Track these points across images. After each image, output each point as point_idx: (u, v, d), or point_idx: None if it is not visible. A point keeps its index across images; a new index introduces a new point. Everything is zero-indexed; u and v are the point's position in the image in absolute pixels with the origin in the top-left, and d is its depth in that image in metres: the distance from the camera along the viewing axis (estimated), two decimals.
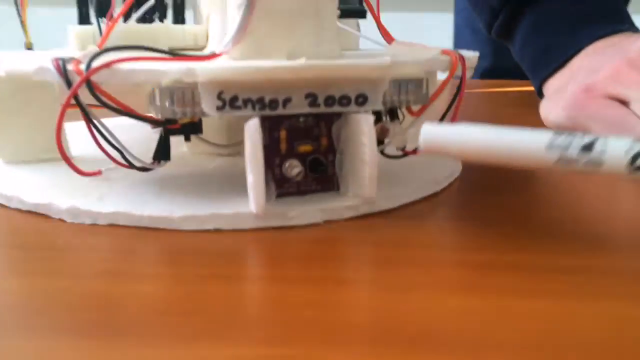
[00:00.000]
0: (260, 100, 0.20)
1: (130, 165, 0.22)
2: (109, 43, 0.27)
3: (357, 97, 0.21)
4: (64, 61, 0.20)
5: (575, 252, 0.19)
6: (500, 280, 0.17)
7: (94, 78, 0.19)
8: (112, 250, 0.19)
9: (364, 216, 0.22)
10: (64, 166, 0.24)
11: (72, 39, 0.29)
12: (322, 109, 0.21)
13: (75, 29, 0.28)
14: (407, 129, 0.23)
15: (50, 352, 0.13)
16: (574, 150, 0.17)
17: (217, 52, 0.21)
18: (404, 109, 0.23)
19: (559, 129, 0.37)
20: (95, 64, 0.19)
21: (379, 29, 0.27)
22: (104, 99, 0.19)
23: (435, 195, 0.24)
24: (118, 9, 0.30)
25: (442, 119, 0.24)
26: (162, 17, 0.33)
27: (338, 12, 0.33)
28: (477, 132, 0.18)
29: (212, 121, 0.25)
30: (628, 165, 0.16)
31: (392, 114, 0.23)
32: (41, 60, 0.20)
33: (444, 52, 0.24)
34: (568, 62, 0.40)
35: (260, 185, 0.19)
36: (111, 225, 0.20)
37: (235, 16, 0.21)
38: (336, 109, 0.21)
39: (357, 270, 0.19)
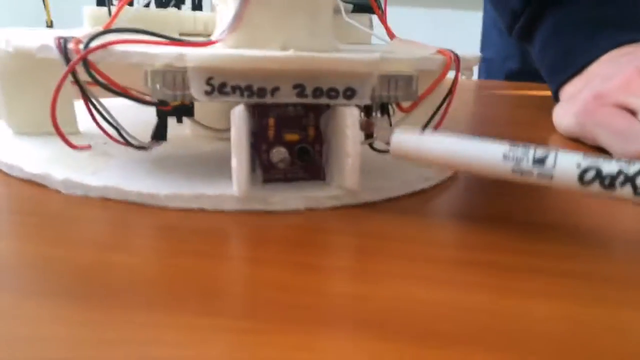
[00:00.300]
0: (249, 88, 0.20)
1: (127, 143, 0.23)
2: (120, 25, 0.28)
3: (345, 90, 0.21)
4: (65, 40, 0.21)
5: (571, 255, 0.19)
6: (474, 278, 0.17)
7: (91, 57, 0.20)
8: (99, 222, 0.20)
9: (346, 207, 0.22)
10: (55, 140, 0.25)
11: (86, 19, 0.30)
12: (310, 100, 0.21)
13: (89, 10, 0.29)
14: (392, 125, 0.23)
15: (32, 311, 0.14)
16: (528, 162, 0.17)
17: (214, 39, 0.22)
18: (394, 105, 0.24)
19: (570, 135, 0.37)
20: (94, 44, 0.20)
21: (382, 24, 0.27)
22: (99, 77, 0.20)
23: (423, 191, 0.24)
24: None
25: (431, 118, 0.24)
26: (178, 4, 0.34)
27: (350, 6, 0.34)
28: (441, 142, 0.19)
29: (212, 106, 0.26)
30: (578, 180, 0.17)
31: (383, 109, 0.24)
32: (45, 39, 0.21)
33: (440, 51, 0.24)
34: (585, 68, 0.39)
35: (243, 169, 0.20)
36: (102, 199, 0.21)
37: (232, 5, 0.22)
38: (324, 100, 0.21)
39: (331, 258, 0.19)
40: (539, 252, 0.19)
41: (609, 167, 0.17)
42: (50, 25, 0.33)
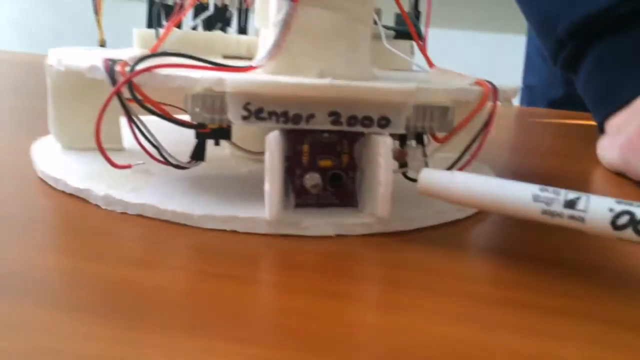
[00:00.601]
0: (285, 114, 0.21)
1: (167, 162, 0.23)
2: (167, 47, 0.30)
3: (380, 119, 0.21)
4: (113, 62, 0.22)
5: (599, 298, 0.19)
6: (498, 316, 0.17)
7: (136, 80, 0.21)
8: (135, 239, 0.21)
9: (377, 235, 0.22)
10: (113, 157, 0.26)
11: (135, 41, 0.31)
12: (344, 127, 0.21)
13: (139, 32, 0.30)
14: (426, 156, 0.23)
15: (63, 325, 0.15)
16: (558, 204, 0.17)
17: (254, 64, 0.23)
18: (428, 135, 0.24)
19: (614, 169, 0.36)
20: (139, 67, 0.21)
21: (422, 52, 0.27)
22: (142, 99, 0.21)
23: (457, 222, 0.24)
24: (187, 15, 0.32)
25: (465, 150, 0.24)
26: (224, 27, 0.35)
27: (392, 33, 0.34)
28: (470, 181, 0.19)
29: (249, 128, 0.26)
30: (610, 225, 0.17)
31: (419, 138, 0.24)
32: (94, 59, 0.22)
33: (478, 82, 0.24)
34: (632, 101, 0.38)
35: (275, 194, 0.21)
36: (139, 216, 0.22)
37: (272, 33, 0.22)
38: (358, 128, 0.21)
39: (359, 287, 0.19)
40: (567, 293, 0.19)
41: None
42: (102, 44, 0.34)
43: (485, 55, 1.50)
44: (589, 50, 0.41)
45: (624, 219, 0.17)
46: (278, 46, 0.22)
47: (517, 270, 0.20)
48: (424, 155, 0.23)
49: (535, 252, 0.23)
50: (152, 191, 0.23)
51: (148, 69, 0.21)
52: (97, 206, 0.23)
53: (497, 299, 0.18)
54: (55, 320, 0.15)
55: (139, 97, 0.21)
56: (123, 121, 0.26)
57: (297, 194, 0.22)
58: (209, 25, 0.35)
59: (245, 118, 0.21)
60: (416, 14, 0.35)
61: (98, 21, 0.34)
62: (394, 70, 0.32)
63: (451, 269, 0.20)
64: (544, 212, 0.18)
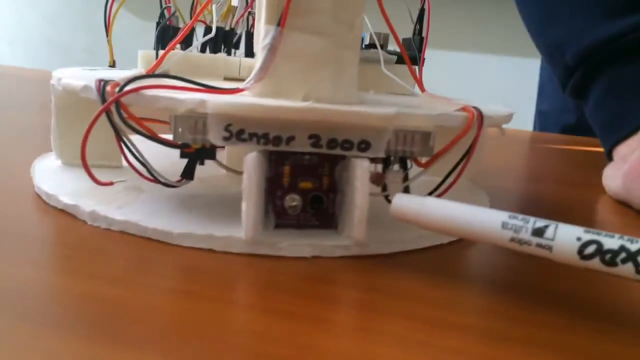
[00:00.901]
0: (265, 136, 0.21)
1: (156, 181, 0.24)
2: (170, 68, 0.30)
3: (360, 143, 0.22)
4: (105, 83, 0.22)
5: (572, 328, 0.18)
6: (464, 345, 0.17)
7: (124, 100, 0.22)
8: (115, 256, 0.21)
9: (354, 257, 0.22)
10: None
11: (139, 61, 0.32)
12: (324, 150, 0.22)
13: (142, 53, 0.31)
14: (408, 180, 0.23)
15: (42, 343, 0.15)
16: (526, 232, 0.17)
17: (241, 87, 0.23)
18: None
19: (617, 197, 0.36)
20: (127, 88, 0.22)
21: (413, 77, 0.27)
22: (128, 119, 0.22)
23: (438, 247, 0.24)
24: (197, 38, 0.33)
25: (448, 174, 0.24)
26: (229, 51, 0.36)
27: (394, 57, 0.35)
28: (441, 207, 0.19)
29: (246, 149, 0.27)
30: (577, 254, 0.17)
31: (402, 162, 0.24)
32: (88, 80, 0.23)
33: (464, 108, 0.24)
34: (639, 130, 0.38)
35: (251, 214, 0.21)
36: (123, 232, 0.23)
37: (259, 56, 0.23)
38: (338, 152, 0.22)
39: (331, 311, 0.19)
40: (540, 322, 0.19)
41: (611, 242, 0.17)
42: (112, 65, 0.35)
43: (503, 79, 1.49)
44: (597, 78, 0.40)
45: (591, 249, 0.17)
46: (264, 69, 0.23)
47: (488, 297, 0.20)
48: (406, 179, 0.23)
49: (511, 279, 0.22)
50: (138, 208, 0.24)
51: (135, 90, 0.22)
52: (84, 222, 0.23)
53: (465, 325, 0.18)
54: (26, 335, 0.15)
55: (127, 117, 0.22)
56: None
57: (277, 215, 0.23)
58: (215, 48, 0.35)
59: (226, 139, 0.21)
60: (419, 39, 0.36)
61: (109, 42, 0.35)
62: (395, 93, 0.33)
63: (426, 295, 0.20)
64: (512, 239, 0.18)
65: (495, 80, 1.49)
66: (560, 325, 0.19)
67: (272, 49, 0.22)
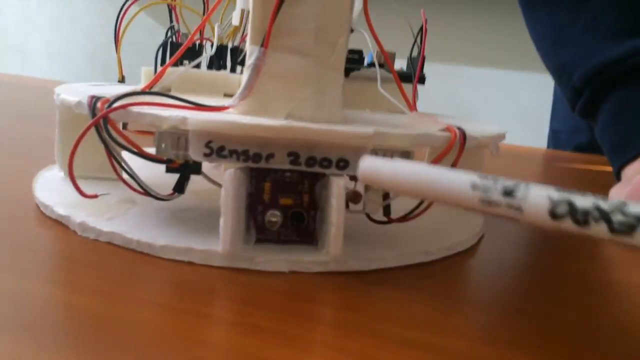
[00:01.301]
0: (245, 153, 0.22)
1: (147, 194, 0.25)
2: (171, 85, 0.31)
3: (339, 161, 0.22)
4: (97, 99, 0.23)
5: (550, 347, 0.18)
6: None
7: (112, 116, 0.23)
8: (101, 267, 0.22)
9: (332, 273, 0.23)
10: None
11: (143, 77, 0.33)
12: (303, 167, 0.22)
13: (145, 69, 0.32)
14: (387, 199, 0.23)
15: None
16: (496, 192, 0.17)
17: (227, 105, 0.24)
18: None
19: None
20: (116, 104, 0.23)
21: (402, 95, 0.28)
22: (114, 134, 0.22)
23: (419, 265, 0.24)
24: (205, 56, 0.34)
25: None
26: (233, 68, 0.36)
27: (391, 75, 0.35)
28: (410, 168, 0.18)
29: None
30: (549, 214, 0.16)
31: None
32: (81, 96, 0.24)
33: (448, 128, 0.24)
34: None
35: (228, 228, 0.21)
36: (109, 243, 0.23)
37: (244, 75, 0.23)
38: (316, 169, 0.22)
39: (303, 327, 0.19)
40: (521, 345, 0.19)
41: (583, 201, 0.16)
42: (122, 80, 0.36)
43: (516, 95, 1.47)
44: (605, 99, 0.40)
45: (562, 208, 0.16)
46: (248, 88, 0.23)
47: (472, 318, 0.20)
48: (386, 197, 0.24)
49: (498, 300, 0.22)
50: (128, 220, 0.25)
51: (122, 107, 0.22)
52: (75, 233, 0.24)
53: (448, 349, 0.18)
54: (5, 344, 0.16)
55: (112, 132, 0.22)
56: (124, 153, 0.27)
57: (258, 230, 0.23)
58: (219, 65, 0.36)
59: (207, 155, 0.22)
60: (421, 58, 0.36)
61: (118, 58, 0.37)
62: (395, 112, 0.33)
63: (402, 314, 0.20)
64: (482, 200, 0.17)
65: (523, 96, 1.47)
66: (546, 349, 0.19)
67: (256, 69, 0.23)
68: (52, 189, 0.28)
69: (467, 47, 1.52)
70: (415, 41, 0.35)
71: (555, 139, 0.65)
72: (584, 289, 0.24)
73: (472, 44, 1.50)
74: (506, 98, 1.50)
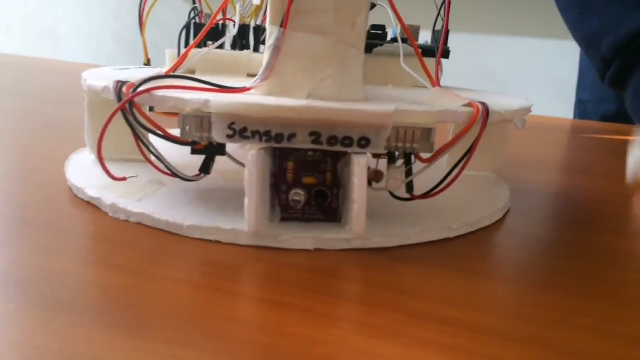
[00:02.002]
0: (268, 133, 0.22)
1: (174, 175, 0.25)
2: (195, 66, 0.32)
3: (360, 139, 0.22)
4: (122, 84, 0.24)
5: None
6: (458, 341, 0.17)
7: (137, 100, 0.23)
8: (131, 247, 0.23)
9: (357, 250, 0.23)
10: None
11: (167, 60, 0.33)
12: (325, 147, 0.22)
13: (169, 52, 0.33)
14: (407, 175, 0.24)
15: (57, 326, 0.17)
16: None
17: (248, 86, 0.24)
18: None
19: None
20: (141, 89, 0.23)
21: (425, 71, 0.28)
22: (140, 118, 0.23)
23: (442, 241, 0.25)
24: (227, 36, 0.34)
25: (452, 169, 0.24)
26: (256, 47, 0.37)
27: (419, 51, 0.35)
28: None
29: None
30: None
31: (407, 158, 0.24)
32: (108, 81, 0.25)
33: (471, 104, 0.24)
34: None
35: (253, 208, 0.22)
36: (139, 224, 0.24)
37: (265, 56, 0.24)
38: (338, 148, 0.22)
39: (328, 303, 0.19)
40: (546, 321, 0.19)
41: None
42: (147, 63, 0.37)
43: (554, 64, 1.44)
44: (635, 68, 0.39)
45: None
46: (269, 69, 0.23)
47: (497, 294, 0.21)
48: (408, 174, 0.24)
49: (524, 276, 0.22)
50: (157, 201, 0.25)
51: (147, 91, 0.23)
52: (107, 214, 0.25)
53: (472, 323, 0.18)
54: (45, 321, 0.17)
55: (138, 116, 0.23)
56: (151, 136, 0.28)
57: (283, 209, 0.24)
58: (242, 46, 0.37)
59: (230, 137, 0.22)
60: (445, 32, 0.36)
61: (143, 41, 0.37)
62: (417, 87, 0.33)
63: (424, 289, 0.21)
64: None
65: (556, 66, 1.44)
66: (569, 324, 0.19)
67: (276, 49, 0.23)
68: (83, 171, 0.29)
69: (498, 16, 1.48)
70: (439, 14, 0.34)
71: (582, 109, 0.64)
72: (612, 263, 0.24)
73: (503, 12, 1.47)
74: (539, 67, 1.47)
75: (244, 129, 0.22)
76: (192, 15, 0.34)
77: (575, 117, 0.65)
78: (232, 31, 0.35)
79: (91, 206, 0.26)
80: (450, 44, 0.36)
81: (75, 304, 0.18)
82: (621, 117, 0.57)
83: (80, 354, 0.15)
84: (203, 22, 0.36)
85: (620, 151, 0.48)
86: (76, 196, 0.27)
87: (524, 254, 0.25)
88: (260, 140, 0.22)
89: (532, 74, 1.49)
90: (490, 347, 0.17)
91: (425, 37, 0.38)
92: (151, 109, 0.33)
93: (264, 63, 0.24)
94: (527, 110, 0.28)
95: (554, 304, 0.20)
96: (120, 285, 0.19)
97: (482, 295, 0.21)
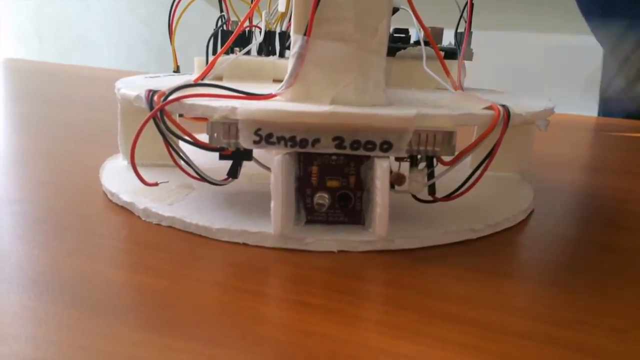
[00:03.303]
0: (292, 139, 0.23)
1: (203, 179, 0.26)
2: (222, 73, 0.33)
3: (382, 143, 0.23)
4: (153, 93, 0.25)
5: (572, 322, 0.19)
6: (476, 341, 0.18)
7: (168, 108, 0.24)
8: (163, 250, 0.23)
9: (380, 252, 0.24)
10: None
11: (196, 67, 0.34)
12: (348, 151, 0.23)
13: (198, 60, 0.34)
14: (429, 178, 0.24)
15: (91, 326, 0.18)
16: None
17: (274, 93, 0.25)
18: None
19: None
20: (171, 97, 0.24)
21: (446, 73, 0.28)
22: (171, 126, 0.24)
23: (465, 242, 0.25)
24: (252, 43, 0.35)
25: (473, 172, 0.25)
26: (282, 53, 0.37)
27: (442, 53, 0.35)
28: None
29: None
30: None
31: (429, 161, 0.25)
32: (140, 89, 0.26)
33: (492, 106, 0.24)
34: None
35: (279, 211, 0.23)
36: (171, 227, 0.25)
37: (290, 64, 0.24)
38: (361, 152, 0.23)
39: (353, 305, 0.20)
40: (556, 320, 0.19)
41: None
42: (177, 70, 0.38)
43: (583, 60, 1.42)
44: None
45: None
46: (294, 76, 0.24)
47: (520, 295, 0.21)
48: (431, 177, 0.24)
49: (549, 277, 0.23)
50: (187, 205, 0.26)
51: (177, 99, 0.24)
52: (139, 218, 0.26)
53: (495, 325, 0.19)
54: (81, 321, 0.18)
55: (169, 123, 0.24)
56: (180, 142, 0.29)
57: (308, 212, 0.24)
58: (268, 51, 0.37)
59: (256, 142, 0.23)
60: (467, 34, 0.36)
61: (172, 49, 0.38)
62: (440, 89, 0.33)
63: (449, 291, 0.21)
64: None
65: (585, 62, 1.41)
66: (590, 324, 0.19)
67: (300, 57, 0.24)
68: (117, 177, 0.30)
69: (523, 13, 1.47)
70: (462, 15, 0.35)
71: (605, 106, 0.64)
72: (636, 263, 0.24)
73: (528, 9, 1.45)
74: (565, 63, 1.44)
75: (270, 135, 0.23)
76: (220, 23, 0.35)
77: (599, 115, 0.65)
78: (258, 38, 0.35)
79: (125, 210, 0.27)
80: (475, 42, 0.36)
81: (110, 305, 0.19)
82: None
83: (115, 352, 0.16)
84: (230, 29, 0.37)
85: None
86: (110, 201, 0.28)
87: (546, 255, 0.25)
88: (286, 145, 0.23)
89: (558, 70, 1.47)
90: (512, 347, 0.17)
91: (449, 38, 0.38)
92: (181, 114, 0.34)
93: (289, 70, 0.24)
94: (550, 111, 0.28)
95: (575, 304, 0.20)
96: (152, 287, 0.20)
97: (504, 296, 0.21)
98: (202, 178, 0.26)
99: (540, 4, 1.46)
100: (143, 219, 0.26)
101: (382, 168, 0.22)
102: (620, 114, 0.61)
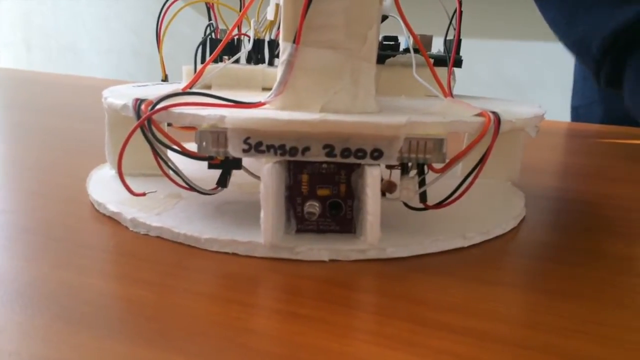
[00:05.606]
0: (282, 147, 0.23)
1: (192, 189, 0.26)
2: (210, 81, 0.32)
3: (373, 151, 0.23)
4: (140, 101, 0.25)
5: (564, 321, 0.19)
6: (472, 351, 0.17)
7: (155, 117, 0.24)
8: (148, 260, 0.23)
9: (372, 260, 0.23)
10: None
11: (184, 76, 0.34)
12: (338, 159, 0.23)
13: (186, 68, 0.34)
14: (420, 186, 0.24)
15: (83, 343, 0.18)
16: None
17: (263, 101, 0.25)
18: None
19: None
20: (158, 106, 0.24)
21: (436, 80, 0.28)
22: (159, 134, 0.24)
23: (459, 250, 0.25)
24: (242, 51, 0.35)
25: (465, 179, 0.24)
26: (271, 61, 0.37)
27: (431, 60, 0.35)
28: None
29: None
30: None
31: (420, 168, 0.24)
32: (127, 98, 0.25)
33: (482, 113, 0.24)
34: None
35: (269, 221, 0.22)
36: (159, 238, 0.25)
37: (279, 71, 0.24)
38: (352, 160, 0.23)
39: (343, 314, 0.19)
40: (566, 332, 0.19)
41: None
42: (165, 79, 0.38)
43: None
44: (626, 64, 0.39)
45: None
46: (283, 84, 0.24)
47: (510, 303, 0.21)
48: (422, 184, 0.24)
49: (540, 285, 0.22)
50: (175, 215, 0.26)
51: (164, 108, 0.24)
52: (127, 228, 0.26)
53: (489, 334, 0.18)
54: (64, 334, 0.18)
55: (157, 133, 0.24)
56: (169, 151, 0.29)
57: (298, 220, 0.24)
58: (257, 59, 0.37)
59: (245, 151, 0.23)
60: (456, 42, 0.36)
61: (160, 58, 0.38)
62: (430, 96, 0.33)
63: (439, 299, 0.21)
64: None
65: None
66: (584, 332, 0.19)
67: (289, 64, 0.24)
68: (104, 186, 0.30)
69: (512, 21, 1.48)
70: (451, 23, 0.35)
71: (575, 115, 0.65)
72: (628, 270, 0.24)
73: (516, 17, 1.47)
74: (554, 71, 1.46)
75: (259, 143, 0.23)
76: (208, 31, 0.34)
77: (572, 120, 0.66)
78: (247, 46, 0.35)
79: (112, 220, 0.27)
80: (464, 49, 0.36)
81: (97, 317, 0.18)
82: (610, 121, 0.57)
83: None
84: (219, 37, 0.37)
85: (631, 154, 0.48)
86: (97, 211, 0.28)
87: (539, 262, 0.25)
88: (275, 154, 0.23)
89: (547, 78, 1.48)
90: (506, 356, 0.17)
91: (438, 46, 0.38)
92: (169, 124, 0.33)
93: (278, 78, 0.24)
94: (540, 117, 0.28)
95: (569, 312, 0.20)
96: (140, 298, 0.20)
97: (497, 304, 0.21)
98: (191, 187, 0.26)
99: (530, 11, 1.47)
100: (131, 229, 0.26)
101: (373, 176, 0.22)
102: (588, 121, 0.62)
